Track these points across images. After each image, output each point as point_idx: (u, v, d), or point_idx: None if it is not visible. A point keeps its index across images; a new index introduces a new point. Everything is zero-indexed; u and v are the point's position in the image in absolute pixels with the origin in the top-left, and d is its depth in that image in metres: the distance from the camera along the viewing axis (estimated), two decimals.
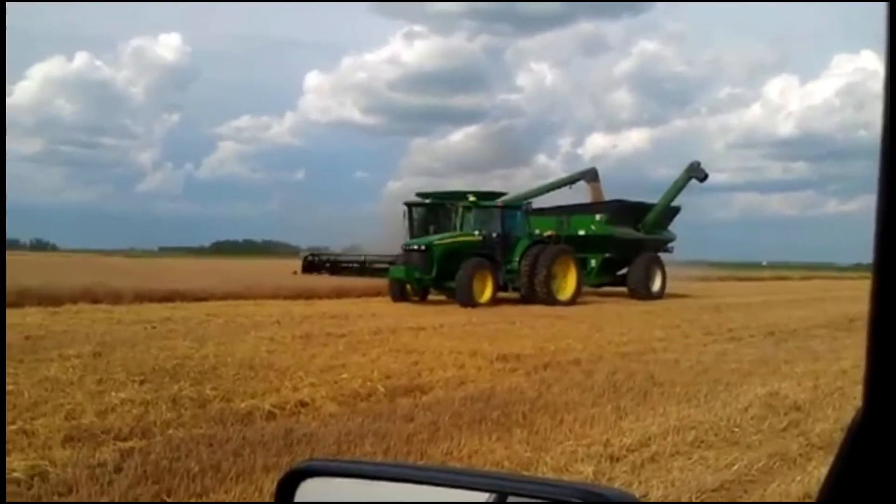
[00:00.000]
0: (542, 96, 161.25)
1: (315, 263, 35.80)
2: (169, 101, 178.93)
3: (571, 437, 6.95)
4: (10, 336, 12.55)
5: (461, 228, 25.07)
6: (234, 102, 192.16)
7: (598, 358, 11.84)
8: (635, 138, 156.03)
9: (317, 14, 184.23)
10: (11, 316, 16.03)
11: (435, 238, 24.39)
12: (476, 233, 24.61)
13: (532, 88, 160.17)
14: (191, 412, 7.42)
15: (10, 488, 5.16)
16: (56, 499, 5.08)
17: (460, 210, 25.37)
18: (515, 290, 24.56)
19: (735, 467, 6.16)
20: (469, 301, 22.22)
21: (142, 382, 8.72)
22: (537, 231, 26.11)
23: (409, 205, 28.22)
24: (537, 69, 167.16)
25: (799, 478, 5.88)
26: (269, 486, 5.34)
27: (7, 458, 5.65)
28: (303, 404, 7.96)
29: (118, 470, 5.54)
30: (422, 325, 15.90)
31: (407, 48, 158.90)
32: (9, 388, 8.11)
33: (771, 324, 18.21)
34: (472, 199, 25.69)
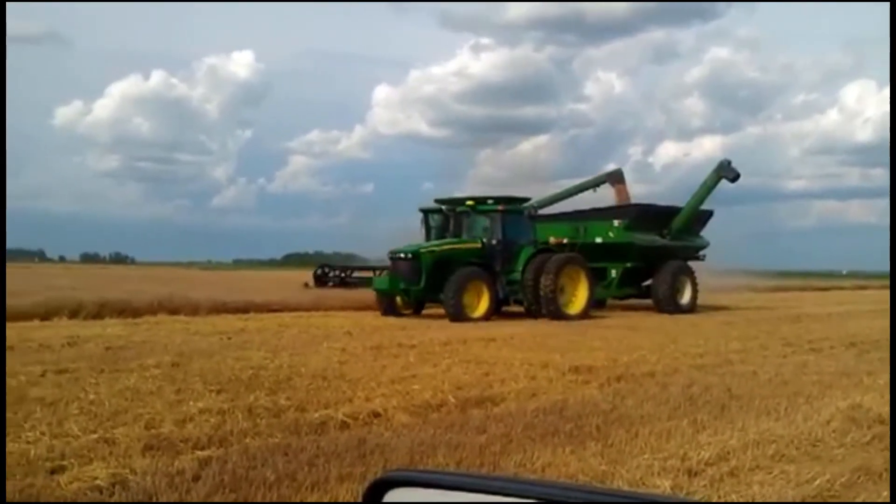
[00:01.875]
0: (611, 105, 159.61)
1: (326, 276, 35.03)
2: (242, 118, 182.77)
3: (647, 450, 6.81)
4: (92, 347, 13.02)
5: (461, 235, 22.96)
6: (305, 117, 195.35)
7: (673, 370, 11.60)
8: (708, 146, 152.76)
9: (385, 29, 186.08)
10: (92, 327, 16.62)
11: (424, 245, 22.21)
12: (482, 240, 22.38)
13: (600, 97, 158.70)
14: (266, 421, 7.51)
15: (92, 495, 5.30)
16: None
17: (460, 215, 23.18)
18: (518, 302, 22.54)
19: (817, 482, 5.96)
20: (459, 316, 20.16)
21: (219, 392, 8.89)
22: (551, 238, 24.04)
23: (425, 211, 24.41)
24: (605, 78, 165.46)
25: (885, 493, 5.67)
26: (344, 495, 5.39)
27: (89, 466, 5.81)
28: (375, 414, 7.99)
29: (196, 478, 5.63)
30: (492, 335, 15.85)
31: (474, 60, 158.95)
32: (90, 397, 8.38)
33: (852, 334, 17.62)
34: (469, 202, 23.10)
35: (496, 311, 21.86)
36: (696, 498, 5.54)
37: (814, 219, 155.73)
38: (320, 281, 34.47)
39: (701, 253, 28.39)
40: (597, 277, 24.78)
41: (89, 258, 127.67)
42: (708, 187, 27.33)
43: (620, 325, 19.37)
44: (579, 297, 22.79)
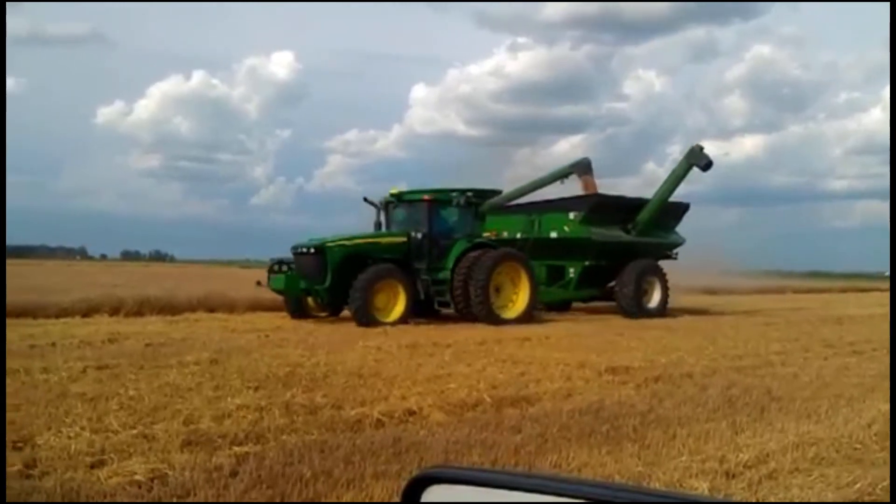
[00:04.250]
0: (651, 104, 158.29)
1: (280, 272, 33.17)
2: (281, 117, 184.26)
3: (685, 452, 6.74)
4: (132, 343, 13.21)
5: (388, 228, 20.55)
6: (343, 117, 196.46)
7: (712, 371, 11.47)
8: (748, 145, 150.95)
9: (423, 29, 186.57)
10: (132, 324, 16.85)
11: (330, 238, 19.32)
12: (409, 234, 19.73)
13: (639, 96, 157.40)
14: (303, 418, 7.56)
15: (131, 490, 5.36)
16: (175, 500, 5.24)
17: (388, 207, 20.75)
18: (443, 304, 19.81)
19: (857, 486, 5.85)
20: (368, 320, 17.69)
21: (256, 389, 8.97)
22: (485, 233, 21.51)
23: (387, 202, 21.01)
24: (645, 76, 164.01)
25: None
26: (380, 493, 5.40)
27: (129, 461, 5.88)
28: (410, 413, 8.00)
29: (234, 474, 5.68)
30: (527, 335, 15.80)
31: (511, 60, 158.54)
32: (130, 393, 8.49)
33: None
34: (394, 191, 20.78)
35: (424, 315, 19.46)
36: (735, 499, 5.47)
37: (857, 219, 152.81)
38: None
39: (674, 252, 25.82)
40: (554, 276, 23.70)
41: (130, 256, 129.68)
42: (678, 176, 24.48)
43: (658, 326, 19.19)
44: (519, 299, 20.27)
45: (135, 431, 6.75)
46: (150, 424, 7.05)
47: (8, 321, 16.94)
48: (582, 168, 26.67)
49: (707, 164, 24.03)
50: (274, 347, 13.03)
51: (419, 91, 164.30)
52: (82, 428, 6.78)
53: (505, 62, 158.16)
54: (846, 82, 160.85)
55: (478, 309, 19.04)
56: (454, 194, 20.22)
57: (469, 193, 20.56)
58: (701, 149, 24.15)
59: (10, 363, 10.33)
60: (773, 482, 6.01)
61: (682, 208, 25.68)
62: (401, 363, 11.48)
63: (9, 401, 7.90)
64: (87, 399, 8.10)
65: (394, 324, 17.74)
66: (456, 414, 8.10)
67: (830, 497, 5.63)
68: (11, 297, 17.92)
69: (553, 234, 23.21)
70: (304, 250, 19.14)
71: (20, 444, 6.26)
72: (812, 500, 5.60)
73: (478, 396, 8.79)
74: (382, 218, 20.74)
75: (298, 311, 19.74)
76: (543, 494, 1.21)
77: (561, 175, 26.45)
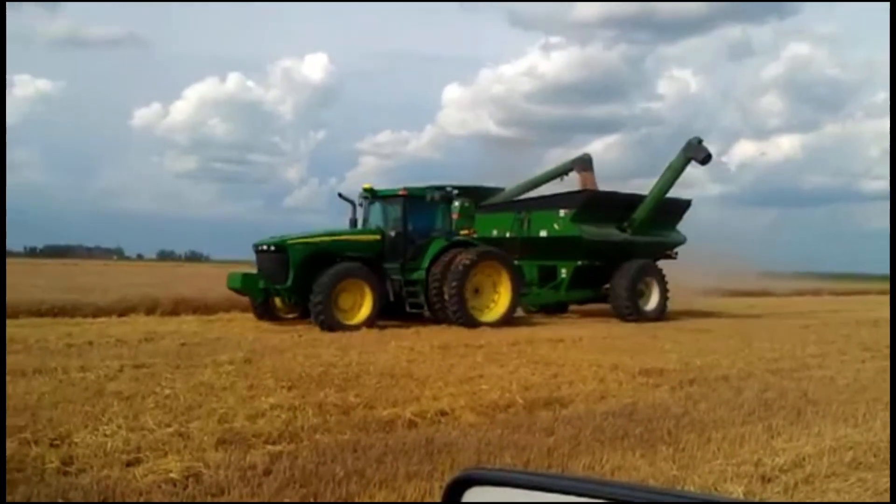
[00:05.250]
0: (686, 103, 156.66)
1: None
2: (315, 119, 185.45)
3: (720, 455, 6.67)
4: (167, 343, 13.35)
5: (364, 225, 19.38)
6: (375, 118, 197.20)
7: (747, 374, 11.34)
8: (785, 145, 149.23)
9: (456, 30, 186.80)
10: (168, 324, 17.02)
11: (292, 235, 18.18)
12: (383, 232, 18.77)
13: (674, 96, 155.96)
14: (336, 418, 7.59)
15: (166, 488, 5.42)
16: (210, 498, 5.28)
17: (364, 203, 19.61)
18: (416, 306, 18.47)
19: None
20: (330, 322, 16.55)
21: (289, 388, 9.02)
22: (462, 231, 19.75)
23: (361, 199, 19.75)
24: (680, 76, 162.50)
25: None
26: (412, 493, 5.40)
27: (164, 460, 5.94)
28: (442, 413, 7.99)
29: (267, 473, 5.71)
30: (560, 337, 15.74)
31: (544, 59, 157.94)
32: (166, 391, 8.58)
33: None
34: (367, 186, 19.52)
35: (398, 316, 18.27)
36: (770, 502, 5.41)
37: None
38: None
39: (674, 251, 24.41)
40: (546, 277, 22.64)
41: (166, 256, 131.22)
42: (675, 170, 23.00)
43: (692, 328, 19.01)
44: (500, 301, 19.06)
45: (170, 430, 6.82)
46: (186, 423, 7.12)
47: (47, 320, 17.25)
48: (582, 164, 25.81)
49: (706, 158, 22.69)
50: (307, 347, 13.11)
51: (452, 91, 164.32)
52: (118, 426, 6.86)
53: (538, 62, 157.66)
54: (884, 81, 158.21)
55: (453, 311, 17.95)
56: (429, 190, 19.22)
57: (450, 189, 19.78)
58: (699, 141, 22.70)
59: (49, 362, 10.50)
60: (810, 486, 5.93)
61: (682, 205, 24.42)
62: (433, 364, 11.49)
63: (47, 399, 8.03)
64: (124, 397, 8.20)
65: (358, 327, 16.58)
66: (488, 415, 8.08)
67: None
68: (51, 297, 18.23)
69: (543, 233, 22.11)
70: (265, 248, 18.04)
71: (57, 442, 6.34)
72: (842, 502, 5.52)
73: (510, 398, 8.76)
74: (358, 215, 19.62)
75: (265, 312, 18.44)
76: (583, 497, 1.20)
77: (561, 171, 25.76)
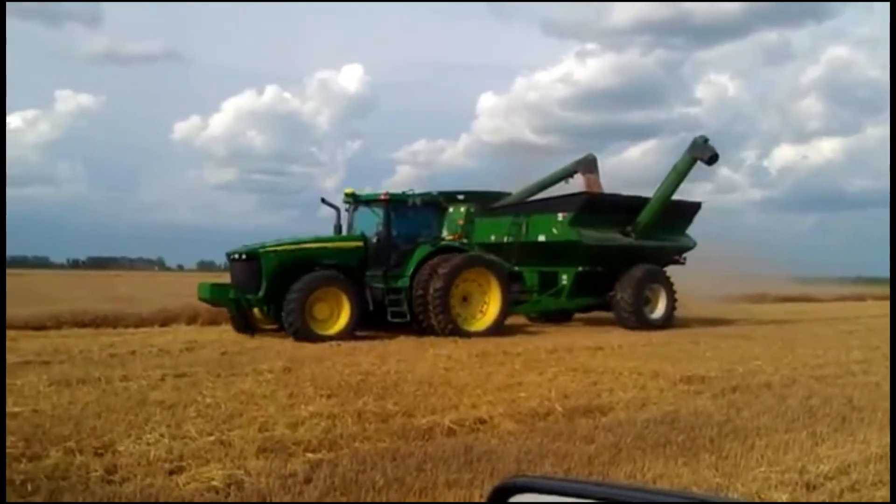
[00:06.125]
0: (724, 108, 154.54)
1: None
2: (351, 129, 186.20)
3: (763, 463, 6.57)
4: (208, 352, 13.48)
5: (349, 231, 18.35)
6: (411, 127, 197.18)
7: (791, 381, 11.16)
8: (826, 148, 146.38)
9: (490, 38, 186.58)
10: (208, 333, 17.18)
11: (266, 244, 17.23)
12: (367, 238, 17.79)
13: (712, 101, 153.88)
14: (375, 426, 7.60)
15: (208, 495, 5.46)
16: None
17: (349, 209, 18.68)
18: (398, 315, 17.30)
19: None
20: (305, 333, 15.75)
21: (329, 397, 9.06)
22: (447, 235, 19.10)
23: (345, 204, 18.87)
24: (717, 81, 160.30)
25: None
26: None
27: (206, 468, 5.99)
28: (481, 421, 7.96)
29: (308, 480, 5.73)
30: (599, 344, 15.62)
31: (579, 66, 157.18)
32: (207, 400, 8.66)
33: None
34: (348, 191, 18.63)
35: (380, 327, 17.34)
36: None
37: None
38: None
39: (682, 256, 23.00)
40: (547, 284, 21.52)
41: (205, 266, 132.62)
42: (679, 172, 21.72)
43: (734, 334, 18.77)
44: (490, 309, 18.07)
45: (212, 438, 6.88)
46: (227, 431, 7.18)
47: (90, 330, 17.52)
48: (586, 165, 24.62)
49: (712, 158, 21.48)
50: (345, 356, 13.16)
51: (487, 100, 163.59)
52: (161, 435, 6.93)
53: (573, 69, 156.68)
54: None
55: (437, 320, 17.04)
56: (409, 193, 18.33)
57: (436, 194, 19.03)
58: (705, 140, 21.48)
59: (92, 371, 10.65)
60: (855, 494, 5.84)
61: (691, 208, 23.09)
62: (471, 371, 11.47)
63: (90, 408, 8.14)
64: (166, 406, 8.28)
65: (335, 338, 15.76)
66: (527, 423, 8.03)
67: None
68: (94, 307, 18.48)
69: (541, 238, 20.98)
70: (237, 256, 17.27)
71: (101, 451, 6.42)
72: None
73: (549, 406, 8.71)
74: (343, 221, 18.57)
75: (243, 324, 17.51)
76: None
77: (565, 174, 24.69)
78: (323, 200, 18.89)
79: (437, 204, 18.91)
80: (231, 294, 17.01)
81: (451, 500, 5.43)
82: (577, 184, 24.26)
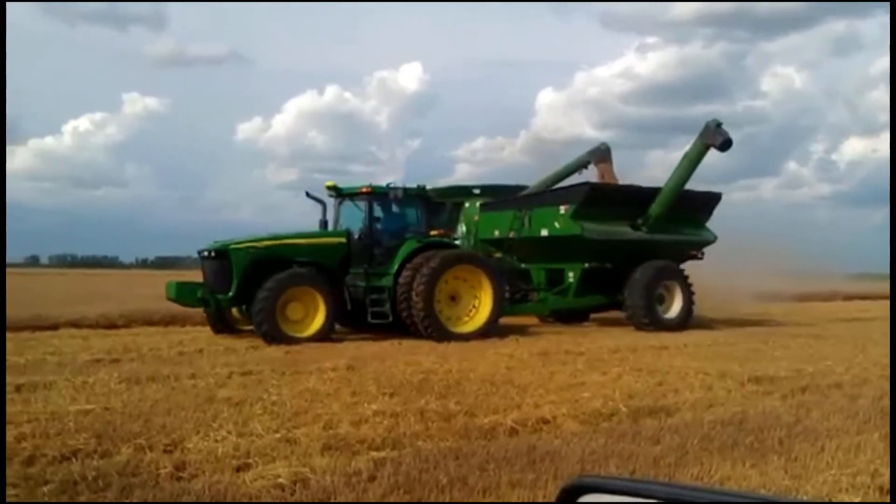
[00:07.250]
0: (790, 101, 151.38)
1: None
2: (410, 128, 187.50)
3: (834, 465, 6.40)
4: (273, 351, 13.67)
5: (336, 227, 17.48)
6: (470, 125, 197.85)
7: (862, 381, 10.85)
8: None
9: (549, 33, 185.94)
10: None
11: (237, 240, 16.34)
12: (351, 234, 16.96)
13: (778, 93, 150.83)
14: (437, 425, 7.61)
15: (274, 492, 5.53)
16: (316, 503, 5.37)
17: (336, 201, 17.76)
18: (380, 317, 16.35)
19: None
20: (275, 334, 14.92)
21: (391, 395, 9.10)
22: (433, 231, 17.69)
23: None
24: (783, 73, 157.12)
25: None
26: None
27: (272, 465, 6.08)
28: (544, 421, 7.92)
29: (372, 479, 5.77)
30: (664, 343, 15.40)
31: (640, 60, 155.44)
32: (272, 398, 8.78)
33: None
34: (329, 184, 17.58)
35: (360, 329, 16.89)
36: None
37: None
38: None
39: (700, 252, 21.41)
40: (554, 282, 20.29)
41: None
42: (691, 159, 19.98)
43: (804, 334, 18.32)
44: (481, 309, 16.99)
45: (278, 435, 6.97)
46: (292, 429, 7.27)
47: (159, 329, 17.92)
48: (599, 155, 23.35)
49: (724, 143, 19.55)
50: (407, 354, 13.23)
51: (546, 96, 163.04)
52: (228, 432, 7.04)
53: (634, 63, 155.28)
54: None
55: (421, 320, 16.04)
56: (392, 185, 17.21)
57: (424, 186, 18.11)
58: (718, 125, 19.53)
59: (161, 369, 10.91)
60: None
61: (711, 199, 21.32)
62: (533, 371, 11.41)
63: (160, 405, 8.33)
64: (233, 404, 8.43)
65: (309, 339, 15.13)
66: (591, 423, 7.96)
67: None
68: (163, 306, 18.87)
69: (544, 232, 19.64)
70: (207, 254, 16.31)
71: (170, 448, 6.55)
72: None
73: (613, 406, 8.61)
74: (329, 216, 17.77)
75: (220, 324, 16.83)
76: None
77: (579, 165, 23.46)
78: (307, 194, 18.12)
79: (424, 197, 17.91)
80: (198, 293, 16.11)
81: (516, 500, 5.42)
82: (591, 175, 23.05)
